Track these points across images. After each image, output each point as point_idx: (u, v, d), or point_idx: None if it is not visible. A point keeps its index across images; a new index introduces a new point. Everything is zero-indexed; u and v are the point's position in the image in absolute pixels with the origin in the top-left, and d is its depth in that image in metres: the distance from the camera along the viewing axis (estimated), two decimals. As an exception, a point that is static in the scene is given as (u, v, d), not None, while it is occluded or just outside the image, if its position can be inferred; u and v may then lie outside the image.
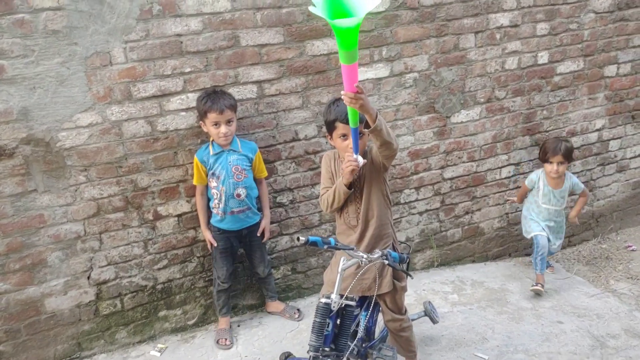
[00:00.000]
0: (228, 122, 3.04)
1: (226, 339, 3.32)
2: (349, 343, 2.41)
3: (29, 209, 2.94)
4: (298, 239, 2.14)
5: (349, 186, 2.52)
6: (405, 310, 2.79)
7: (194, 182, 3.20)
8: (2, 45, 2.68)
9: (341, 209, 2.64)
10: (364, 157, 2.52)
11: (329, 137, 2.60)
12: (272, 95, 3.35)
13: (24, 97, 2.78)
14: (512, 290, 3.91)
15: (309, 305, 3.71)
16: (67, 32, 2.77)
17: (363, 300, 2.65)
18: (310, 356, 2.30)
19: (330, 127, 2.54)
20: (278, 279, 3.70)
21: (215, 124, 3.04)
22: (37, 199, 2.95)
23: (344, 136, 2.48)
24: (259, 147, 3.33)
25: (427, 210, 4.02)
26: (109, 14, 2.83)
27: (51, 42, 2.76)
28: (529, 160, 4.27)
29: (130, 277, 3.28)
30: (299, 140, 3.51)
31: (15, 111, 2.79)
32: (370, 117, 2.23)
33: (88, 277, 3.18)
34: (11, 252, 2.96)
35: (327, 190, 2.61)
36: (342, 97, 2.15)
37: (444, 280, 4.03)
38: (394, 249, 2.66)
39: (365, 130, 2.33)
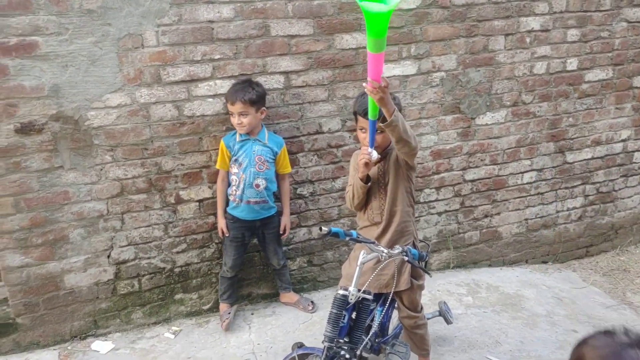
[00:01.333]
0: (241, 114, 3.06)
1: (223, 321, 3.35)
2: (363, 337, 2.42)
3: (54, 185, 2.99)
4: (321, 229, 2.15)
5: (366, 180, 2.53)
6: (421, 308, 2.79)
7: (217, 165, 3.23)
8: (37, 22, 2.72)
9: (365, 205, 2.65)
10: (387, 154, 2.52)
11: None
12: (299, 87, 3.36)
13: (56, 74, 2.83)
14: (528, 296, 3.88)
15: (323, 298, 3.72)
16: (101, 12, 2.81)
17: (379, 296, 2.65)
18: (324, 346, 2.32)
19: (355, 118, 2.56)
20: (294, 270, 3.71)
21: (231, 114, 3.08)
22: (62, 176, 2.99)
23: (362, 129, 2.50)
24: (283, 138, 3.34)
25: (446, 211, 4.01)
26: (143, -4, 2.87)
27: (85, 22, 2.80)
28: (552, 167, 4.23)
29: (149, 258, 3.32)
30: (323, 133, 3.51)
31: (46, 88, 2.83)
32: (387, 111, 2.23)
33: (108, 256, 3.22)
34: (34, 227, 3.01)
35: (351, 187, 2.63)
36: (365, 85, 2.16)
37: (459, 282, 4.01)
38: (414, 247, 2.65)
39: (381, 125, 2.32)
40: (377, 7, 1.92)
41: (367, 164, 2.45)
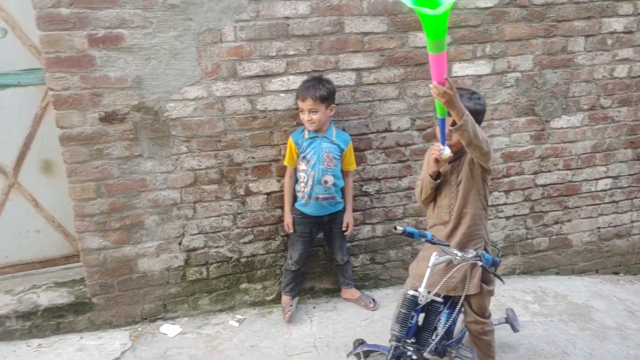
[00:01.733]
0: (311, 111, 3.09)
1: (286, 313, 3.41)
2: (430, 339, 2.40)
3: (133, 173, 3.12)
4: (395, 227, 2.14)
5: (436, 177, 2.50)
6: (489, 314, 2.73)
7: (285, 162, 3.28)
8: (124, 15, 2.84)
9: (435, 202, 2.62)
10: (463, 153, 2.49)
11: None
12: (370, 84, 3.36)
13: (139, 66, 2.95)
14: (597, 307, 3.74)
15: (385, 296, 3.71)
16: (184, 7, 2.91)
17: (447, 298, 2.62)
18: (392, 345, 2.32)
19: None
20: (356, 267, 3.72)
21: (301, 111, 3.11)
22: (141, 164, 3.12)
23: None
24: (351, 135, 3.35)
25: (514, 216, 3.91)
26: (224, -7, 2.94)
27: (168, 16, 2.91)
28: (629, 175, 4.05)
29: (217, 247, 3.41)
30: (392, 131, 3.50)
31: (130, 79, 2.96)
32: (457, 114, 2.16)
33: (179, 243, 3.33)
34: (113, 212, 3.15)
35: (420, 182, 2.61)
36: (430, 87, 2.13)
37: (526, 288, 3.91)
38: (486, 251, 2.60)
39: (450, 128, 2.26)
40: (432, 11, 1.91)
41: (437, 161, 2.43)
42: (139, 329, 3.38)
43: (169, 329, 3.37)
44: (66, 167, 3.00)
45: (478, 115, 2.43)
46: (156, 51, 2.94)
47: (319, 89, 3.09)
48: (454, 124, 2.21)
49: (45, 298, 3.29)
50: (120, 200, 3.15)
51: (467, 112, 2.18)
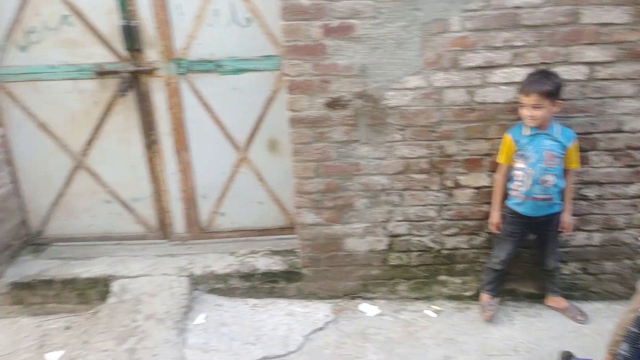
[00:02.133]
0: (534, 107, 2.92)
1: (486, 311, 3.33)
2: None
3: (348, 157, 3.29)
4: (637, 239, 1.95)
5: None
6: None
7: (500, 160, 3.17)
8: (357, 6, 2.98)
9: None
10: None
11: None
12: (603, 80, 3.09)
13: (365, 55, 3.07)
14: None
15: (595, 311, 3.42)
16: (414, -3, 2.96)
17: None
18: None
19: None
20: (565, 275, 3.48)
21: (523, 106, 2.95)
22: (357, 149, 3.27)
23: None
24: (575, 133, 3.12)
25: None
26: (455, -17, 2.92)
27: (398, 6, 2.98)
28: None
29: (420, 236, 3.45)
30: (623, 132, 3.18)
31: (356, 67, 3.10)
32: None
33: (384, 228, 3.43)
34: (328, 192, 3.36)
35: None
36: None
37: None
38: None
39: None
40: None
41: None
42: (341, 304, 3.57)
43: (367, 308, 3.51)
44: (292, 147, 3.26)
45: None
46: (382, 41, 3.04)
47: (545, 83, 2.92)
48: None
49: (263, 263, 3.64)
50: (335, 182, 3.34)
51: None
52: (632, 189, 3.29)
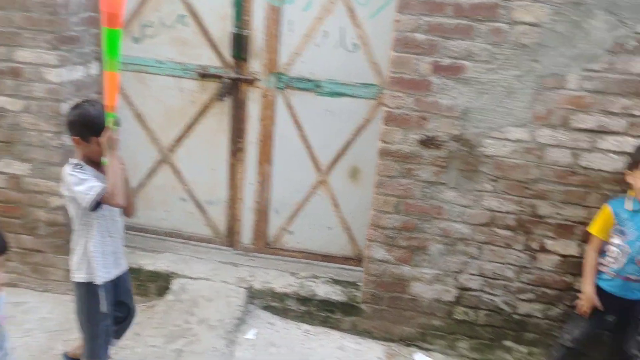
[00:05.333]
0: None
1: None
2: None
3: (433, 198, 3.17)
4: None
5: None
6: None
7: (594, 231, 2.95)
8: (472, 48, 2.90)
9: None
10: None
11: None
12: None
13: (471, 99, 2.98)
14: None
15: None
16: (534, 48, 2.84)
17: None
18: None
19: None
20: (644, 367, 3.18)
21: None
22: (443, 192, 3.15)
23: None
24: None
25: None
26: (581, 40, 2.79)
27: (515, 55, 2.87)
28: None
29: (492, 295, 3.26)
30: None
31: (458, 109, 3.00)
32: None
33: (455, 279, 3.27)
34: (404, 230, 3.25)
35: None
36: None
37: None
38: None
39: None
40: None
41: None
42: (394, 349, 3.42)
43: (422, 358, 3.34)
44: (377, 178, 3.19)
45: None
46: (492, 87, 2.93)
47: None
48: None
49: (322, 290, 3.55)
50: (414, 221, 3.22)
51: None
52: None
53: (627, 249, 2.84)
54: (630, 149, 2.88)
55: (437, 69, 2.95)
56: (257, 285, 3.57)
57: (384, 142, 3.14)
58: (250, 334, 3.34)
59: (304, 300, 3.52)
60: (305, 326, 3.52)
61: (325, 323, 3.52)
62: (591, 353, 3.22)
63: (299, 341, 3.38)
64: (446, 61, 2.93)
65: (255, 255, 3.91)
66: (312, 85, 3.53)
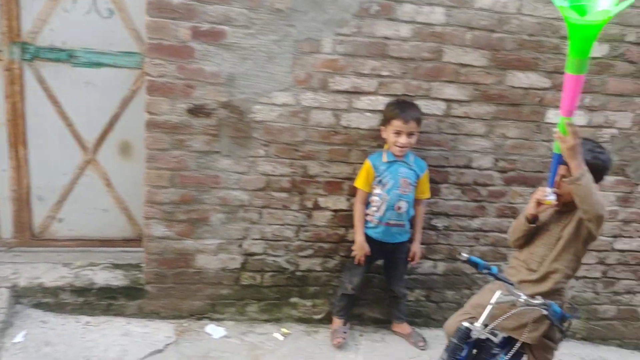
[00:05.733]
0: (409, 134, 3.01)
1: (338, 338, 3.30)
2: None
3: (208, 168, 3.12)
4: (460, 254, 2.08)
5: (532, 221, 2.37)
6: (552, 368, 2.59)
7: (359, 185, 3.18)
8: (230, 13, 2.87)
9: (528, 247, 2.49)
10: (574, 208, 2.31)
11: None
12: (458, 117, 3.27)
13: (235, 64, 2.96)
14: (662, 391, 3.47)
15: (435, 337, 3.55)
16: (288, 12, 2.91)
17: (507, 342, 2.48)
18: None
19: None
20: (410, 302, 3.59)
21: (397, 133, 3.02)
22: (217, 161, 3.11)
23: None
24: (429, 166, 3.26)
25: (584, 277, 3.70)
26: (330, 5, 2.93)
27: (272, 19, 2.91)
28: None
29: (275, 256, 3.36)
30: (471, 168, 3.39)
31: (223, 76, 2.97)
32: (574, 166, 2.10)
33: (239, 245, 3.29)
34: (182, 203, 3.15)
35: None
36: (555, 131, 2.12)
37: (585, 355, 3.69)
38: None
39: (565, 180, 2.18)
40: (581, 19, 1.78)
41: (539, 204, 2.31)
42: (185, 325, 3.35)
43: (213, 329, 3.33)
44: (147, 152, 3.02)
45: (596, 172, 2.27)
46: (253, 52, 2.94)
47: (415, 110, 3.04)
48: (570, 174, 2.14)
49: (101, 277, 3.31)
50: (191, 193, 3.14)
51: (585, 167, 2.09)
52: (475, 222, 3.50)
53: (386, 197, 3.13)
54: (381, 107, 3.14)
55: (197, 34, 2.86)
56: (23, 282, 3.18)
57: (151, 113, 2.98)
58: (18, 337, 2.97)
59: (81, 291, 3.24)
60: (85, 318, 3.25)
61: (108, 311, 3.29)
62: (365, 296, 3.51)
63: (78, 335, 3.11)
64: (205, 26, 2.86)
65: (21, 250, 3.47)
66: (65, 56, 3.18)
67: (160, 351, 3.09)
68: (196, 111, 2.99)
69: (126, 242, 3.60)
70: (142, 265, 3.32)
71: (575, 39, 1.91)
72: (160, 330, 3.26)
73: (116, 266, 3.42)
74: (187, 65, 2.90)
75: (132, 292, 3.29)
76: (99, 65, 3.22)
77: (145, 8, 2.80)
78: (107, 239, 3.57)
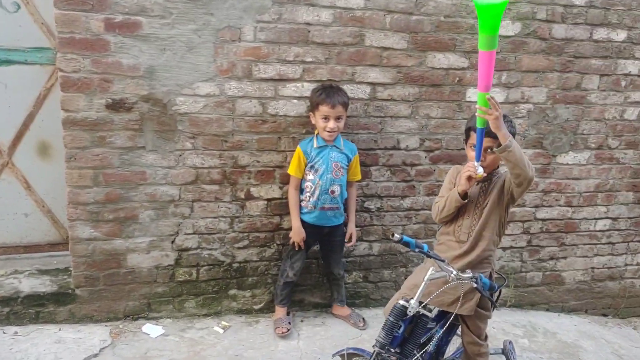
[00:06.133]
0: (337, 118, 3.04)
1: (283, 328, 3.29)
2: (415, 351, 2.37)
3: (133, 164, 3.03)
4: (393, 234, 2.12)
5: (464, 197, 2.46)
6: (486, 337, 2.71)
7: (291, 172, 3.18)
8: (144, 3, 2.78)
9: (454, 221, 2.57)
10: (493, 176, 2.49)
11: (465, 144, 2.57)
12: (383, 100, 3.32)
13: (153, 56, 2.87)
14: (586, 348, 3.70)
15: (374, 316, 3.64)
16: (206, 1, 2.85)
17: (442, 316, 2.57)
18: (374, 351, 2.31)
19: (467, 135, 2.54)
20: (348, 284, 3.65)
21: (325, 118, 3.03)
22: (142, 156, 3.03)
23: (474, 147, 2.41)
24: (359, 149, 3.30)
25: (511, 247, 3.88)
26: (249, -9, 2.89)
27: (189, 8, 2.84)
28: (628, 218, 4.05)
29: (211, 249, 3.32)
30: (399, 149, 3.46)
31: (142, 68, 2.88)
32: (502, 135, 2.22)
33: (172, 242, 3.23)
34: (108, 202, 3.05)
35: (442, 199, 2.56)
36: (476, 107, 2.20)
37: (516, 322, 3.86)
38: (490, 278, 2.57)
39: (495, 150, 2.29)
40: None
41: (470, 179, 2.39)
42: (121, 326, 3.26)
43: (151, 329, 3.25)
44: (66, 151, 2.90)
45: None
46: (172, 43, 2.87)
47: (342, 94, 3.05)
48: (498, 145, 2.24)
49: (27, 285, 3.16)
50: (117, 192, 3.05)
51: (510, 135, 2.21)
52: (406, 202, 3.58)
53: (320, 182, 3.14)
54: (308, 94, 3.14)
55: (111, 26, 2.76)
56: (-61, 297, 2.99)
57: (67, 110, 2.85)
58: (-62, 356, 2.80)
59: (6, 300, 3.09)
60: (13, 328, 3.10)
61: (37, 319, 3.16)
62: (304, 282, 3.54)
63: (6, 347, 2.96)
64: (119, 17, 2.75)
65: None
66: (-32, 53, 2.98)
67: (95, 355, 2.99)
68: (116, 106, 2.89)
69: (52, 246, 3.45)
70: (70, 269, 3.19)
71: (483, 17, 2.02)
72: (95, 334, 3.16)
73: (43, 272, 3.27)
74: (102, 59, 2.79)
75: (61, 297, 3.16)
76: (8, 62, 3.05)
77: (53, 0, 2.65)
78: (32, 244, 3.41)
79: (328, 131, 3.05)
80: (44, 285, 3.18)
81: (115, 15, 2.74)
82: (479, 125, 2.27)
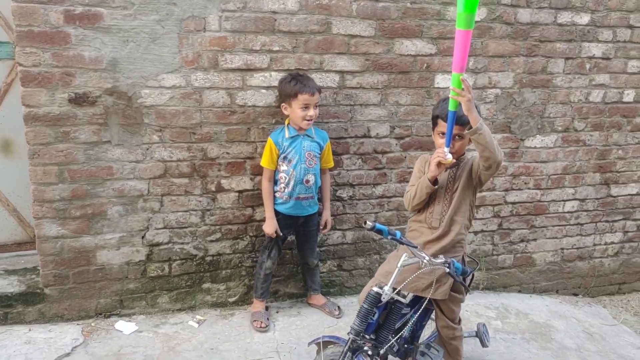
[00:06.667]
0: (316, 105, 3.02)
1: (262, 322, 3.28)
2: (390, 337, 2.39)
3: (99, 159, 2.97)
4: (365, 222, 2.14)
5: (434, 183, 2.47)
6: (460, 320, 2.74)
7: (264, 164, 3.15)
8: (105, -6, 2.70)
9: (426, 207, 2.59)
10: (462, 162, 2.53)
11: (433, 132, 2.58)
12: (352, 88, 3.31)
13: (116, 48, 2.81)
14: (557, 327, 3.77)
15: (349, 304, 3.65)
16: (169, -10, 2.79)
17: (416, 301, 2.59)
18: (349, 338, 2.32)
19: (434, 122, 2.55)
20: (323, 273, 3.65)
21: (305, 107, 3.00)
22: (108, 151, 2.97)
23: (443, 134, 2.42)
24: (330, 138, 3.29)
25: (482, 231, 3.93)
26: (211, -20, 2.84)
27: (151, -2, 2.78)
28: (595, 199, 4.13)
29: (182, 244, 3.28)
30: (370, 137, 3.46)
31: (105, 61, 2.81)
32: (473, 118, 2.25)
33: (142, 237, 3.18)
34: (75, 199, 2.99)
35: (413, 187, 2.58)
36: (452, 88, 2.23)
37: (488, 304, 3.92)
38: (463, 262, 2.60)
39: (466, 132, 2.33)
40: None
41: (439, 165, 2.40)
42: (93, 324, 3.21)
43: (124, 326, 3.21)
44: (29, 148, 2.82)
45: None
46: (135, 34, 2.81)
47: (314, 82, 3.04)
48: (469, 128, 2.28)
49: (-7, 286, 3.08)
50: (84, 188, 2.98)
51: (480, 118, 2.25)
52: (378, 190, 3.59)
53: (294, 173, 3.12)
54: (276, 83, 3.11)
55: (71, 18, 2.69)
56: None
57: (28, 106, 2.77)
58: None
59: (-28, 303, 3.01)
60: (-20, 331, 3.03)
61: (6, 320, 3.09)
62: (279, 272, 3.53)
63: (-26, 350, 2.89)
64: (79, 9, 2.68)
65: None
66: None
67: (68, 354, 2.94)
68: (79, 100, 2.82)
69: (19, 245, 3.39)
70: (38, 268, 3.13)
71: None
72: (67, 334, 3.10)
73: (10, 272, 3.21)
74: (63, 52, 2.72)
75: (30, 297, 3.10)
76: (-36, 58, 2.96)
77: (9, -8, 2.58)
78: (-3, 244, 3.33)
79: (308, 120, 3.03)
80: (11, 285, 3.11)
81: (75, 7, 2.67)
82: (451, 108, 2.29)
